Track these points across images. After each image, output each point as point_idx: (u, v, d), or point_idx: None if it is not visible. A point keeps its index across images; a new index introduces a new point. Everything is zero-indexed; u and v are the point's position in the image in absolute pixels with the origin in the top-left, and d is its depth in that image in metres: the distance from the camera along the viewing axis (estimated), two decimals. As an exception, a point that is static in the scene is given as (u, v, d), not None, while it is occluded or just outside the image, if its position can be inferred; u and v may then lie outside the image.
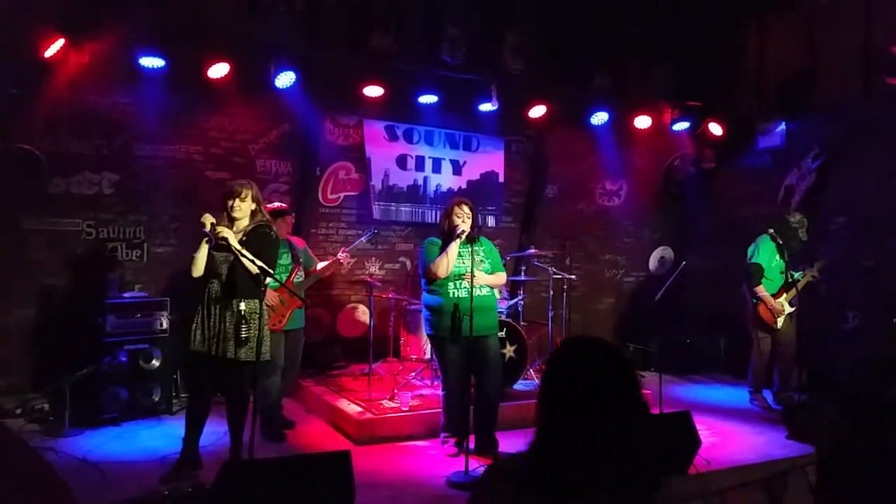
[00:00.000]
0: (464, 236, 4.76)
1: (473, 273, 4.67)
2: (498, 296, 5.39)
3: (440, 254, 4.81)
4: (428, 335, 5.06)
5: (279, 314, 5.24)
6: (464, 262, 4.81)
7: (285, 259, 5.38)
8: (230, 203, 4.31)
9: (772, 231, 6.41)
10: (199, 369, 4.39)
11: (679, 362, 7.91)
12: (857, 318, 6.93)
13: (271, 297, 5.12)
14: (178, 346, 5.69)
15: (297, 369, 5.76)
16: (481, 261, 4.90)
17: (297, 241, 5.69)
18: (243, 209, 4.34)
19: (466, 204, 4.90)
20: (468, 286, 4.71)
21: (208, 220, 4.18)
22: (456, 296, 4.76)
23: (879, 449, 1.69)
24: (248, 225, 4.37)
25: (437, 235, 5.02)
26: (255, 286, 4.24)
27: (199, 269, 4.26)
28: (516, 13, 7.84)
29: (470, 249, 4.77)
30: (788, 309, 6.43)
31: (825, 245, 7.06)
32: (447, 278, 4.81)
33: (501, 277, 5.10)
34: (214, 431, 4.78)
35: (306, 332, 5.70)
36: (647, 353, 8.13)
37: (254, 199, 4.39)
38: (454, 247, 4.76)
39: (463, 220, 4.82)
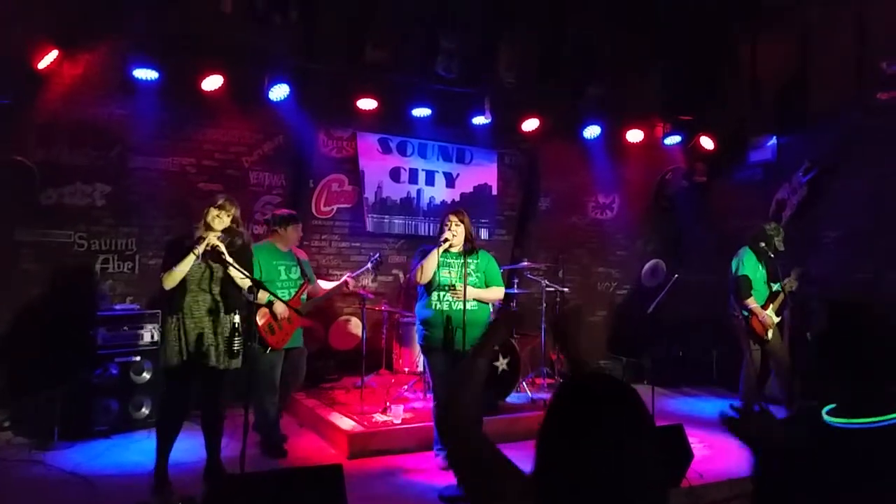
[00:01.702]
0: (445, 245, 4.74)
1: (455, 286, 4.69)
2: (491, 308, 5.36)
3: (421, 260, 4.82)
4: (420, 346, 5.06)
5: (285, 332, 5.17)
6: (450, 274, 4.79)
7: (294, 273, 5.32)
8: (215, 213, 4.31)
9: (762, 245, 6.43)
10: (177, 384, 4.34)
11: (671, 375, 7.92)
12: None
13: (284, 312, 5.06)
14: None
15: (297, 387, 5.72)
16: (469, 274, 4.85)
17: (302, 253, 5.64)
18: (224, 222, 4.34)
19: (457, 214, 4.87)
20: (451, 298, 4.71)
21: (212, 240, 4.19)
22: (439, 307, 4.75)
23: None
24: (226, 238, 4.35)
25: (432, 245, 5.02)
26: (239, 300, 4.31)
27: (175, 282, 4.23)
28: (510, 27, 7.88)
29: (462, 261, 4.76)
30: (776, 319, 6.44)
31: (817, 259, 7.08)
32: (432, 289, 4.80)
33: (495, 292, 5.00)
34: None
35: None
36: (639, 365, 8.13)
37: (234, 220, 4.39)
38: (433, 254, 4.75)
39: (450, 229, 4.81)
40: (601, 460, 1.35)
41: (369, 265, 6.00)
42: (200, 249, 4.18)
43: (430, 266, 4.74)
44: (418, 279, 4.77)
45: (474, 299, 4.81)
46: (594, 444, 1.36)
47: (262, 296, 4.47)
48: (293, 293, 5.22)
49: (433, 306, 4.77)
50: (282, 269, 5.20)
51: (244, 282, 4.24)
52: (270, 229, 5.37)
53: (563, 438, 1.41)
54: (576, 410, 1.44)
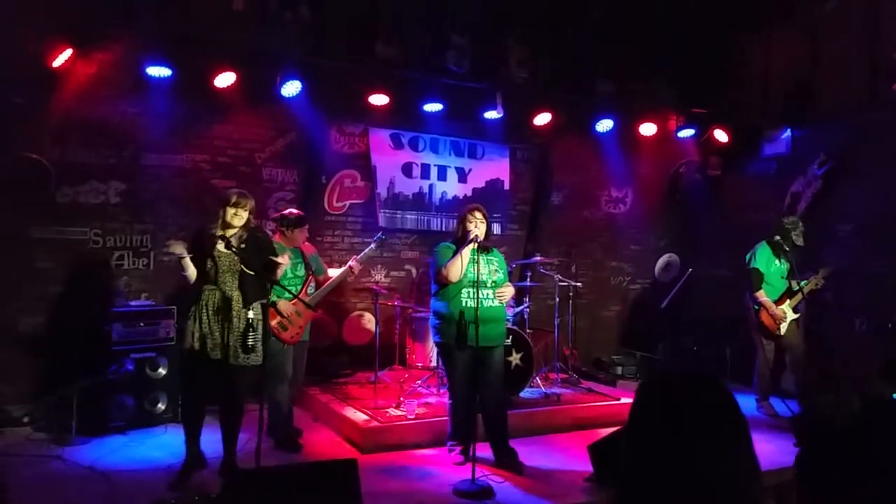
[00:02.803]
0: (477, 241, 4.72)
1: (485, 283, 4.69)
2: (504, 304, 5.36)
3: (453, 257, 4.79)
4: (436, 343, 5.02)
5: (296, 326, 5.22)
6: (478, 270, 4.77)
7: (300, 270, 5.36)
8: (232, 212, 4.37)
9: (779, 238, 6.38)
10: (194, 371, 4.39)
11: (685, 370, 7.87)
12: (864, 325, 6.90)
13: (287, 308, 5.11)
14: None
15: (301, 379, 5.77)
16: (496, 270, 4.87)
17: (310, 248, 5.66)
18: (242, 218, 4.42)
19: (480, 210, 4.86)
20: (482, 296, 4.68)
21: (177, 248, 4.29)
22: (468, 304, 4.69)
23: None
24: (242, 232, 4.42)
25: (450, 241, 4.99)
26: (261, 292, 4.34)
27: (193, 278, 4.37)
28: (521, 22, 7.87)
29: (484, 258, 4.76)
30: (791, 315, 6.39)
31: (832, 252, 7.03)
32: (460, 286, 4.77)
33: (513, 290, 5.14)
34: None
35: (311, 339, 5.69)
36: (653, 360, 8.11)
37: (251, 212, 4.47)
38: (467, 250, 4.72)
39: (476, 225, 4.79)
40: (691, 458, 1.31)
41: (373, 245, 5.96)
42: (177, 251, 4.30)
43: (464, 262, 4.73)
44: (450, 276, 4.73)
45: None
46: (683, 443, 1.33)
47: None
48: (299, 289, 5.27)
49: (463, 303, 4.73)
50: (287, 268, 5.22)
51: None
52: (277, 228, 5.41)
53: (650, 437, 1.38)
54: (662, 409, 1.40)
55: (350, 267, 5.62)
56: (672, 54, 8.30)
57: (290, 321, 5.16)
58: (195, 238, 4.47)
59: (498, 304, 4.85)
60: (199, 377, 4.38)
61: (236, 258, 4.29)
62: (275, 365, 5.08)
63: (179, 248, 4.28)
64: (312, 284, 5.48)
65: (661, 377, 1.50)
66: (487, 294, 4.79)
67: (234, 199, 4.39)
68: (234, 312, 4.31)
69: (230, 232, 4.37)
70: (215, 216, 4.47)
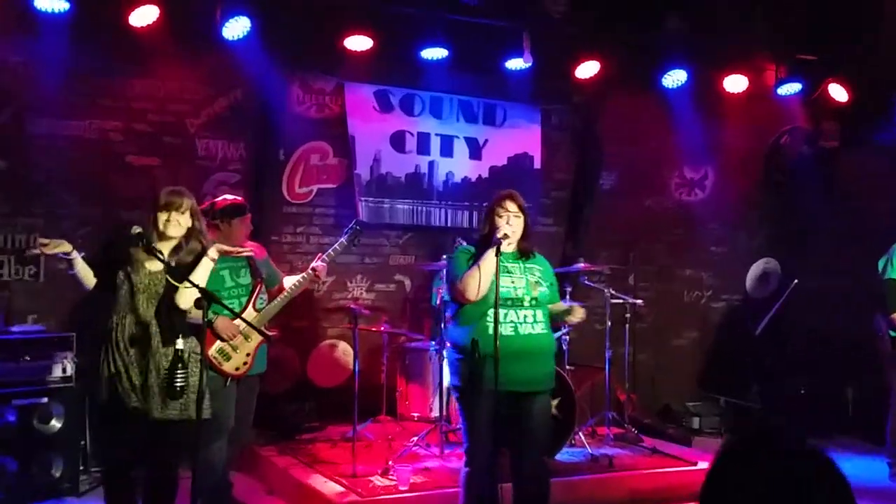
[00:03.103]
0: (505, 243, 4.67)
1: (521, 301, 4.64)
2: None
3: (470, 266, 4.75)
4: (454, 387, 4.97)
5: (243, 354, 5.19)
6: (513, 283, 4.71)
7: (244, 276, 5.34)
8: (164, 217, 4.36)
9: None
10: (110, 427, 4.39)
11: (790, 421, 7.86)
12: None
13: (229, 329, 5.11)
14: (86, 401, 5.69)
15: (249, 430, 5.75)
16: (537, 282, 4.81)
17: (257, 249, 5.65)
18: (181, 224, 4.41)
19: (514, 199, 4.79)
20: (517, 319, 4.66)
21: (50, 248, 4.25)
22: (499, 332, 4.52)
23: None
24: (187, 248, 4.44)
25: (472, 243, 4.97)
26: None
27: (89, 284, 4.35)
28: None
29: (521, 266, 4.76)
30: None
31: None
32: (486, 305, 4.71)
33: None
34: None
35: (265, 379, 5.68)
36: (744, 408, 8.09)
37: (193, 214, 4.45)
38: (490, 257, 4.65)
39: (508, 220, 4.76)
40: None
41: (344, 238, 5.92)
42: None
43: (484, 273, 4.65)
44: (469, 293, 4.64)
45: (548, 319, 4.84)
46: None
47: (197, 313, 4.50)
48: (244, 302, 5.26)
49: (489, 330, 4.66)
50: (226, 273, 5.20)
51: (186, 295, 4.30)
52: (209, 223, 5.38)
53: None
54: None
55: (314, 270, 5.57)
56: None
57: (234, 347, 5.14)
58: (109, 240, 4.45)
59: (542, 332, 4.76)
60: (118, 435, 4.38)
61: (161, 274, 4.30)
62: (212, 412, 5.06)
63: (52, 249, 4.21)
64: (263, 297, 5.45)
65: (750, 438, 1.53)
66: (526, 316, 4.72)
67: (162, 201, 4.38)
68: (155, 343, 4.32)
69: (169, 245, 4.38)
70: (132, 204, 4.47)
